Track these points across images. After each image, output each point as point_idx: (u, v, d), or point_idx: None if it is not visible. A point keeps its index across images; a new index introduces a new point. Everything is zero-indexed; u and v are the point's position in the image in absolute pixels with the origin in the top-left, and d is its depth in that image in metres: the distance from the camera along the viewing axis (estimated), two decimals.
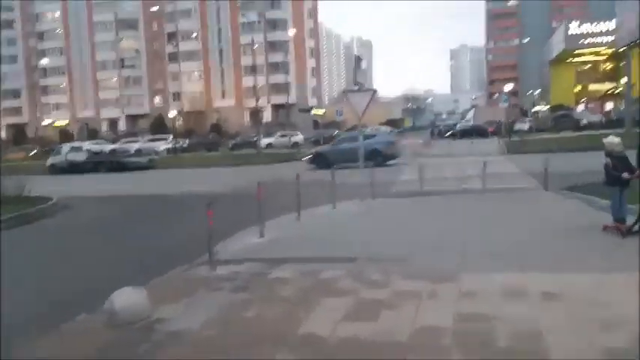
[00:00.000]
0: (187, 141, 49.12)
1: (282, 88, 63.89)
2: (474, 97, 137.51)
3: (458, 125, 46.78)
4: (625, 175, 6.45)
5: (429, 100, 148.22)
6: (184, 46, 70.00)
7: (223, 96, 74.31)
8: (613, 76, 54.09)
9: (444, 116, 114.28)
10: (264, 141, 43.63)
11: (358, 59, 12.70)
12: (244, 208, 10.34)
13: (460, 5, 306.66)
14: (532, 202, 9.87)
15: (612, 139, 6.77)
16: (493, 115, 45.62)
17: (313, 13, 74.46)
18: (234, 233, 8.14)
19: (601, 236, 6.55)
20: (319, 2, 79.21)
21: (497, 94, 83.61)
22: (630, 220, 6.45)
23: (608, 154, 6.68)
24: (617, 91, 52.28)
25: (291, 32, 55.93)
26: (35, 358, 3.94)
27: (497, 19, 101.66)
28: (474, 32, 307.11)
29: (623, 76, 51.83)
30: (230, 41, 71.15)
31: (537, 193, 10.96)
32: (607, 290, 4.41)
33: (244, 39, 63.51)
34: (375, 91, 11.01)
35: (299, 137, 44.14)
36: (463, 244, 6.53)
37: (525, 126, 40.59)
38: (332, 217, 9.59)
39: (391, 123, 73.48)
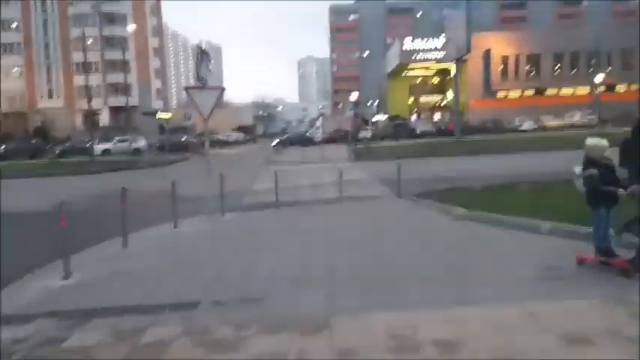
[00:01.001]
0: (3, 147, 41.69)
1: (121, 89, 58.02)
2: (320, 107, 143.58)
3: (286, 135, 48.67)
4: (621, 191, 4.67)
5: (280, 108, 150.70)
6: (2, 38, 59.66)
7: (50, 96, 65.16)
8: (440, 89, 60.47)
9: (294, 124, 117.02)
10: (100, 147, 38.97)
11: (203, 53, 10.57)
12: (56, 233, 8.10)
13: (305, 18, 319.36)
14: (392, 212, 9.48)
15: (598, 142, 4.90)
16: (340, 124, 47.52)
17: (156, 11, 69.63)
18: (31, 270, 6.05)
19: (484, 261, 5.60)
20: (163, 1, 74.45)
21: (341, 104, 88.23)
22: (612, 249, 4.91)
23: (591, 162, 4.84)
24: (443, 104, 58.51)
25: (131, 28, 51.09)
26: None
27: (339, 32, 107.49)
28: (320, 44, 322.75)
29: (449, 90, 58.75)
30: (58, 34, 62.66)
31: (392, 201, 10.71)
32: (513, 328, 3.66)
33: (75, 32, 56.36)
34: (222, 89, 9.52)
35: (141, 143, 40.33)
36: (329, 269, 5.56)
37: (368, 134, 42.84)
38: (171, 241, 7.92)
39: (243, 129, 72.26)
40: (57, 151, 41.43)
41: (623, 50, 50.91)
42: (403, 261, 5.78)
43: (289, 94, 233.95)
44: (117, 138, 40.63)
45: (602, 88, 45.41)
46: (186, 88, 9.52)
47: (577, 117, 42.11)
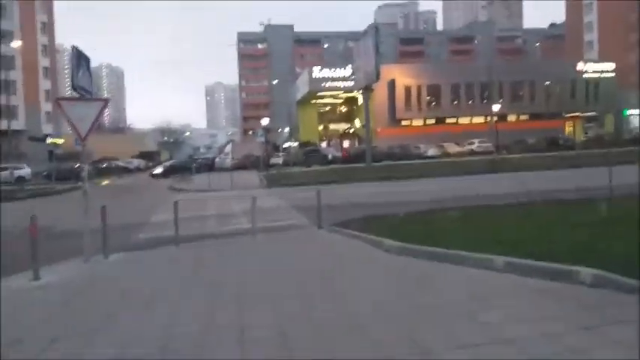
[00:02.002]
0: None
1: (6, 112, 51.94)
2: (230, 133, 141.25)
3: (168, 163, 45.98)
4: None
5: (187, 133, 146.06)
6: None
7: None
8: (348, 117, 61.86)
9: (202, 150, 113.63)
10: None
11: (80, 56, 8.04)
12: None
13: (213, 43, 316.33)
14: (315, 246, 8.45)
15: None
16: (249, 150, 46.47)
17: (48, 29, 64.09)
18: None
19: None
20: (58, 20, 68.77)
21: (252, 131, 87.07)
22: None
23: None
24: (352, 131, 59.78)
25: (16, 44, 46.03)
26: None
27: (248, 60, 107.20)
28: (228, 70, 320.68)
29: (356, 118, 60.23)
30: None
31: (312, 232, 9.75)
32: None
33: None
34: (106, 101, 7.70)
35: (25, 171, 36.02)
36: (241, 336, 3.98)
37: (280, 160, 42.16)
38: (25, 300, 5.69)
39: (145, 156, 68.20)
40: None
41: (512, 83, 55.81)
42: (346, 320, 4.15)
43: (197, 120, 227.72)
44: None
45: (494, 118, 49.09)
46: (57, 100, 7.49)
47: (475, 144, 44.85)
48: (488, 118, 53.12)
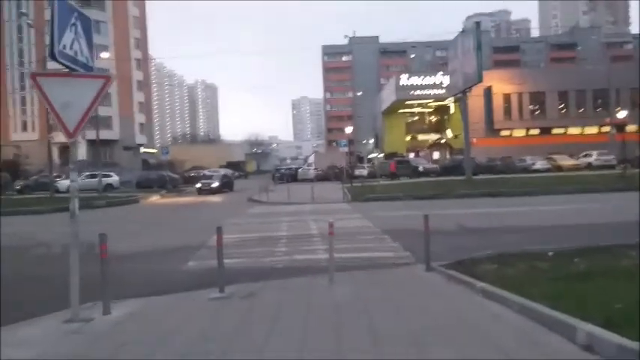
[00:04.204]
0: None
1: (101, 122, 54.36)
2: (314, 145, 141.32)
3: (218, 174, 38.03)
4: None
5: (274, 145, 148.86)
6: None
7: (24, 128, 61.34)
8: (437, 127, 57.53)
9: (288, 161, 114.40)
10: (65, 183, 34.92)
11: (69, 10, 4.20)
12: None
13: (300, 58, 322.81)
14: (426, 310, 5.34)
15: None
16: (332, 160, 44.24)
17: (142, 44, 66.91)
18: None
19: None
20: (151, 36, 72.01)
21: (335, 142, 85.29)
22: None
23: None
24: (442, 141, 55.37)
25: (105, 55, 47.33)
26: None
27: (332, 73, 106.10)
28: (313, 85, 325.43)
29: (447, 128, 55.74)
30: (34, 64, 59.48)
31: (417, 277, 6.58)
32: None
33: (52, 64, 53.09)
34: (108, 78, 4.86)
35: (113, 179, 36.28)
36: None
37: (365, 172, 39.26)
38: None
39: (232, 165, 68.84)
40: (17, 187, 37.33)
41: (633, 90, 48.29)
42: None
43: (284, 132, 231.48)
44: (86, 173, 36.60)
45: (610, 128, 42.42)
46: (33, 75, 4.89)
47: (594, 157, 38.63)
48: (603, 129, 46.32)
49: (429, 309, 4.94)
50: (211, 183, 30.87)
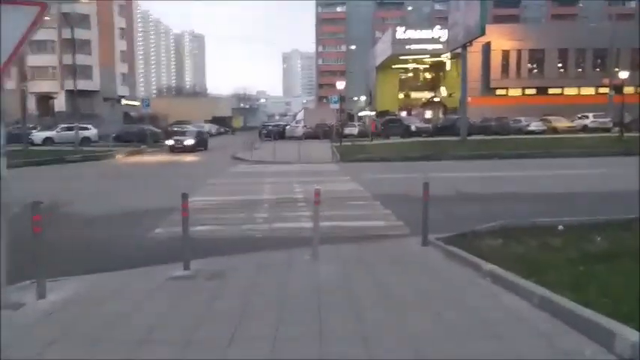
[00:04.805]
0: None
1: (80, 71, 51.99)
2: (305, 101, 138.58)
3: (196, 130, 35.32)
4: None
5: (263, 100, 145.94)
6: None
7: None
8: (432, 85, 56.01)
9: (276, 117, 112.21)
10: (41, 135, 33.57)
11: None
12: None
13: (292, 9, 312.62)
14: (425, 295, 4.55)
15: None
16: (322, 118, 42.91)
17: None
18: None
19: None
20: None
21: (326, 99, 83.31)
22: None
23: None
24: (436, 100, 54.06)
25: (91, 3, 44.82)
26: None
27: (326, 24, 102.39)
28: (306, 38, 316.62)
29: (442, 86, 54.31)
30: None
31: (413, 254, 5.75)
32: None
33: None
34: (43, 6, 3.97)
35: (91, 132, 34.69)
36: None
37: (355, 130, 38.12)
38: None
39: (218, 121, 67.06)
40: None
41: (633, 50, 46.92)
42: None
43: (273, 87, 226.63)
44: (62, 125, 34.97)
45: (609, 90, 41.40)
46: None
47: (590, 119, 37.76)
48: (600, 90, 45.26)
49: (429, 302, 4.11)
50: (184, 140, 27.94)
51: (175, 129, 43.92)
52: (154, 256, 5.95)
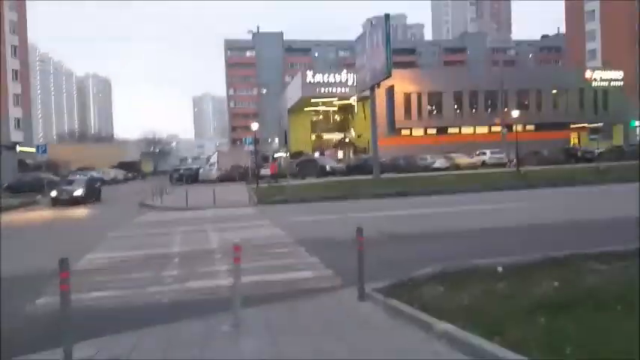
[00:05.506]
0: None
1: None
2: (218, 144, 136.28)
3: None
4: None
5: (174, 144, 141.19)
6: None
7: None
8: (342, 126, 57.57)
9: (189, 161, 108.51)
10: None
11: None
12: None
13: (202, 53, 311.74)
14: None
15: None
16: (237, 160, 42.00)
17: (19, 29, 58.89)
18: None
19: None
20: (32, 20, 63.70)
21: (239, 141, 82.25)
22: None
23: None
24: (346, 140, 55.50)
25: None
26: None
27: (236, 68, 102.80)
28: (217, 82, 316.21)
29: (351, 127, 55.97)
30: None
31: (350, 310, 5.10)
32: None
33: None
34: None
35: None
36: None
37: (270, 172, 37.57)
38: None
39: (126, 166, 63.33)
40: None
41: (519, 92, 51.92)
42: None
43: (185, 131, 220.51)
44: None
45: (500, 128, 45.08)
46: None
47: (487, 155, 40.66)
48: (493, 128, 49.24)
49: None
50: (72, 190, 22.96)
51: (58, 179, 38.54)
52: (32, 338, 4.74)
